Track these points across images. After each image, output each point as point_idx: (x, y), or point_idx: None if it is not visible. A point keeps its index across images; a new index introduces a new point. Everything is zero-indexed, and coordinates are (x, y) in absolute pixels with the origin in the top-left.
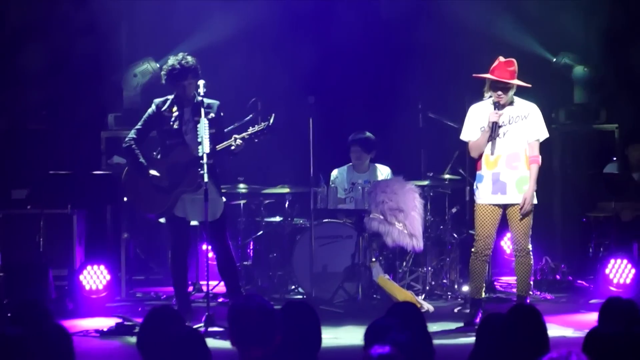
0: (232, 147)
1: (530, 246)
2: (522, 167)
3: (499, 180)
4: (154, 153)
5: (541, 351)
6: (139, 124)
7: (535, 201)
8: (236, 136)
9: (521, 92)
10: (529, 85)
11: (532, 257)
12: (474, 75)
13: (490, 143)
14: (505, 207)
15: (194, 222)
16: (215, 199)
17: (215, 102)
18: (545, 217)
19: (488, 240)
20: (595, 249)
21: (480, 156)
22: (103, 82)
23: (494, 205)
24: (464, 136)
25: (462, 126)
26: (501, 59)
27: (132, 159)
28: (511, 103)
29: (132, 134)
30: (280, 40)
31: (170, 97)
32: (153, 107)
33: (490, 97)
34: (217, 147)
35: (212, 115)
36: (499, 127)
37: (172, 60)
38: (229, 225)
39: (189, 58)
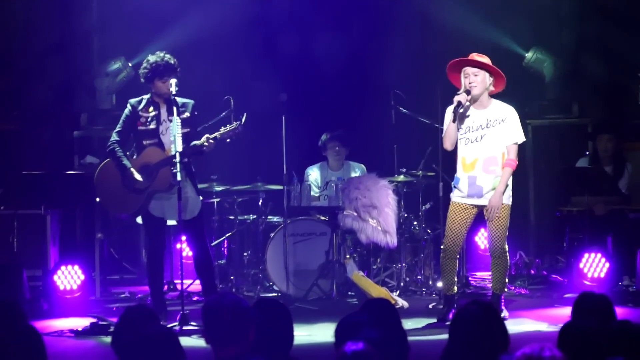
0: (204, 147)
1: (506, 246)
2: (499, 171)
3: (475, 184)
4: (127, 153)
5: (501, 345)
6: (119, 125)
7: (509, 202)
8: (208, 136)
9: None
10: (503, 75)
11: (508, 256)
12: (450, 63)
13: (466, 146)
14: (481, 207)
15: (171, 222)
16: (192, 197)
17: (190, 102)
18: (519, 212)
19: (457, 238)
20: (569, 243)
21: (457, 155)
22: (75, 81)
23: (469, 204)
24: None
25: (434, 122)
26: (474, 54)
27: (117, 162)
28: (488, 106)
29: (114, 136)
30: (252, 38)
31: (146, 96)
32: (129, 107)
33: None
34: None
35: (187, 114)
36: (463, 108)
37: (154, 57)
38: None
39: (169, 56)
